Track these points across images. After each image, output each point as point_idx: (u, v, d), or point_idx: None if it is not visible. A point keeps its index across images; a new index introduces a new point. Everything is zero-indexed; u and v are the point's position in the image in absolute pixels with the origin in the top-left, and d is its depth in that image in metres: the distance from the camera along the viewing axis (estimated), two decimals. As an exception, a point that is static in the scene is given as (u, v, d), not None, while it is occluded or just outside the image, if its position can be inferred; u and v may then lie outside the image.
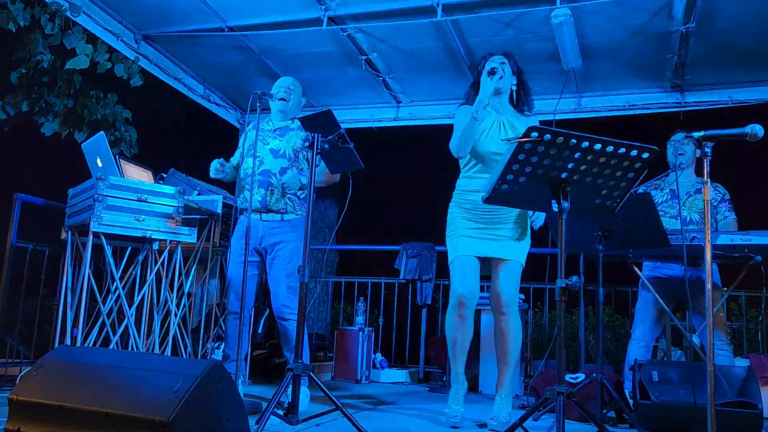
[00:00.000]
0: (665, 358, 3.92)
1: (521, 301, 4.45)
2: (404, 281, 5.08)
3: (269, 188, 3.24)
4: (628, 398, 3.12)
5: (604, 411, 2.96)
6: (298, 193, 3.27)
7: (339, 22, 4.15)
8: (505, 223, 2.89)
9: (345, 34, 4.23)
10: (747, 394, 2.76)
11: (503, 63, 2.99)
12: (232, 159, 3.48)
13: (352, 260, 8.76)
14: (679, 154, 3.53)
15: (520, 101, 3.05)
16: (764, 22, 3.76)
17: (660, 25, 3.88)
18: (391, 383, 4.72)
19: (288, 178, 3.19)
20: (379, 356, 5.01)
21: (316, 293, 6.22)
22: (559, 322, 2.08)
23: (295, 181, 3.19)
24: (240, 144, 3.49)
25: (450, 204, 3.03)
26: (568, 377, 3.21)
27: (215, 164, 3.31)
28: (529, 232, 2.97)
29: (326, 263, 6.91)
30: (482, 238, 2.89)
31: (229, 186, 4.19)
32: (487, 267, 2.97)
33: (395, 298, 5.69)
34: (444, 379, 4.45)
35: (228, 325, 3.27)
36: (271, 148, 3.32)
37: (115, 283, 2.98)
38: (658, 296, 3.33)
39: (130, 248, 3.38)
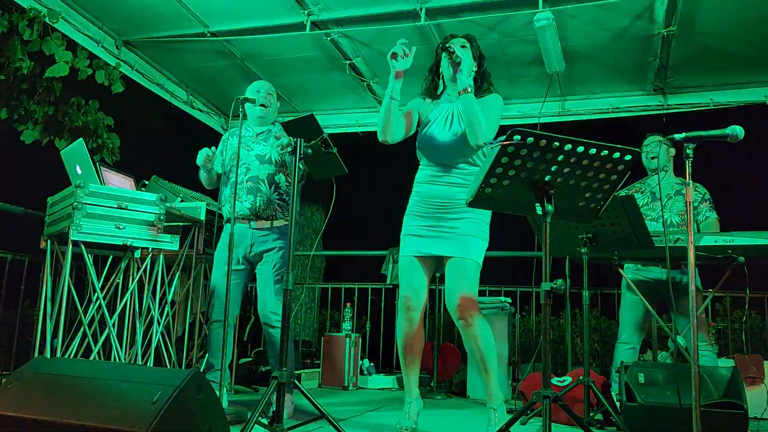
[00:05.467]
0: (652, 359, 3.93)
1: (508, 305, 4.45)
2: (391, 286, 5.06)
3: (258, 194, 3.21)
4: (615, 401, 3.12)
5: (591, 414, 2.96)
6: (285, 197, 3.26)
7: (322, 26, 4.14)
8: (457, 219, 2.63)
9: (328, 38, 4.22)
10: (732, 395, 2.77)
11: (464, 47, 2.75)
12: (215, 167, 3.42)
13: (338, 266, 8.72)
14: (652, 158, 3.55)
15: (477, 88, 2.75)
16: (744, 25, 3.81)
17: (642, 28, 3.91)
18: (379, 389, 4.69)
19: (281, 181, 3.26)
20: (366, 362, 4.99)
21: (301, 298, 6.18)
22: (544, 325, 2.07)
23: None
24: (218, 152, 3.41)
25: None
26: (555, 380, 3.20)
27: (206, 150, 3.26)
28: (487, 229, 2.69)
29: (313, 269, 6.86)
30: (429, 236, 2.65)
31: (213, 193, 4.14)
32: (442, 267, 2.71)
33: (382, 304, 5.67)
34: (431, 384, 4.43)
35: (212, 334, 3.22)
36: (256, 154, 3.30)
37: (96, 293, 2.93)
38: (643, 298, 3.34)
39: (111, 256, 3.33)
